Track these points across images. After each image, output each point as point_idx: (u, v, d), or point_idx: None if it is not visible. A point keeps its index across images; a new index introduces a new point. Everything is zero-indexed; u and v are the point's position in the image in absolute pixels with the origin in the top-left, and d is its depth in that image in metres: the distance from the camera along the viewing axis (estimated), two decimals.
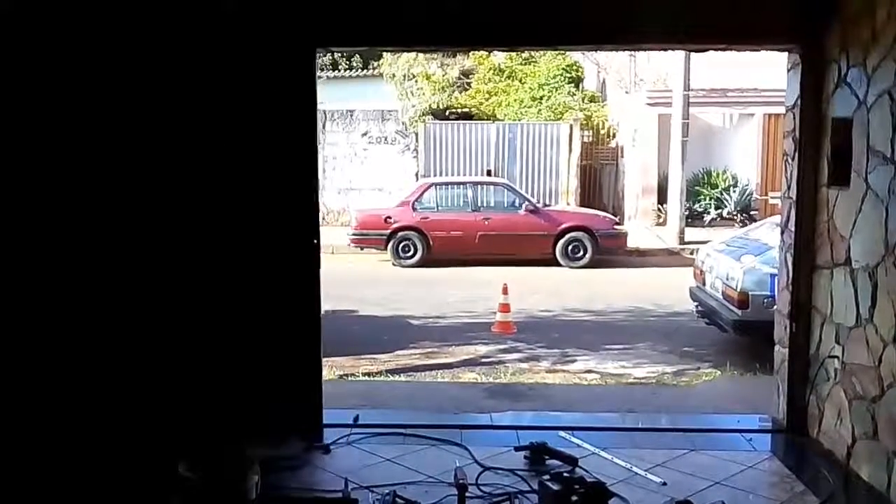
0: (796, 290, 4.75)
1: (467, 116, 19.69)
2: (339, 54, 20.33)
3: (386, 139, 18.79)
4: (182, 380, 4.68)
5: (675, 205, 15.52)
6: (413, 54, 18.49)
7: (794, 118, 4.73)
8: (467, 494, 3.75)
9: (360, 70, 22.80)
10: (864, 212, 4.10)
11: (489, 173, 17.33)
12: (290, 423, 4.61)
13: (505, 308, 8.86)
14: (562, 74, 20.84)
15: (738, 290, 7.30)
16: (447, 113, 19.66)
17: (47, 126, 4.55)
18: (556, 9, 4.51)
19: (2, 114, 4.53)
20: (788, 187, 4.82)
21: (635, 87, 19.30)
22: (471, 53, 19.69)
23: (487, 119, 19.58)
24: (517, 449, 4.39)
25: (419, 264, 13.52)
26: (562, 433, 4.71)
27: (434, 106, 19.67)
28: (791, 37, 4.61)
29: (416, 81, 20.16)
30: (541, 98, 20.39)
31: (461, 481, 3.78)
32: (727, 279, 7.63)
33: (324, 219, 19.36)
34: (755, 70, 15.31)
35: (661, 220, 17.31)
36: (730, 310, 7.47)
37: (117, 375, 4.64)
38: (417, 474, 4.14)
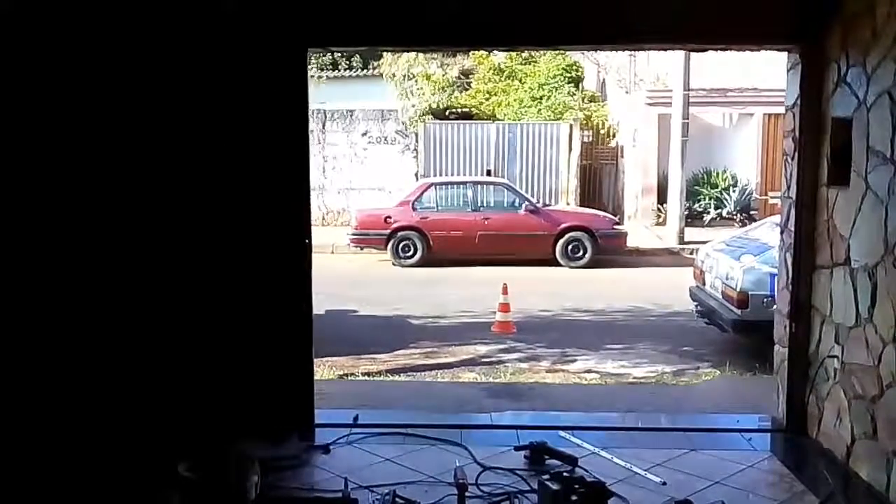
0: (796, 290, 4.76)
1: (467, 116, 19.66)
2: (340, 54, 20.34)
3: (386, 139, 18.76)
4: (173, 378, 4.68)
5: (675, 204, 15.51)
6: (413, 54, 18.48)
7: (794, 118, 4.73)
8: (467, 494, 3.75)
9: (360, 70, 22.82)
10: (863, 212, 4.10)
11: (489, 173, 17.32)
12: (282, 423, 4.61)
13: (505, 308, 8.86)
14: (562, 74, 20.82)
15: (738, 289, 7.30)
16: (447, 113, 19.64)
17: (40, 125, 4.55)
18: (556, 9, 4.50)
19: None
20: (788, 187, 4.82)
21: (635, 86, 19.30)
22: (471, 53, 19.68)
23: (487, 119, 19.55)
24: (517, 449, 4.39)
25: (419, 264, 13.51)
26: (562, 433, 4.72)
27: (434, 106, 19.65)
28: (791, 37, 4.61)
29: (416, 81, 20.14)
30: (541, 98, 20.37)
31: (461, 481, 3.78)
32: (727, 279, 7.63)
33: (324, 219, 19.39)
34: (755, 70, 15.35)
35: (660, 220, 17.30)
36: (729, 309, 7.46)
37: (110, 373, 4.64)
38: (417, 474, 4.14)
